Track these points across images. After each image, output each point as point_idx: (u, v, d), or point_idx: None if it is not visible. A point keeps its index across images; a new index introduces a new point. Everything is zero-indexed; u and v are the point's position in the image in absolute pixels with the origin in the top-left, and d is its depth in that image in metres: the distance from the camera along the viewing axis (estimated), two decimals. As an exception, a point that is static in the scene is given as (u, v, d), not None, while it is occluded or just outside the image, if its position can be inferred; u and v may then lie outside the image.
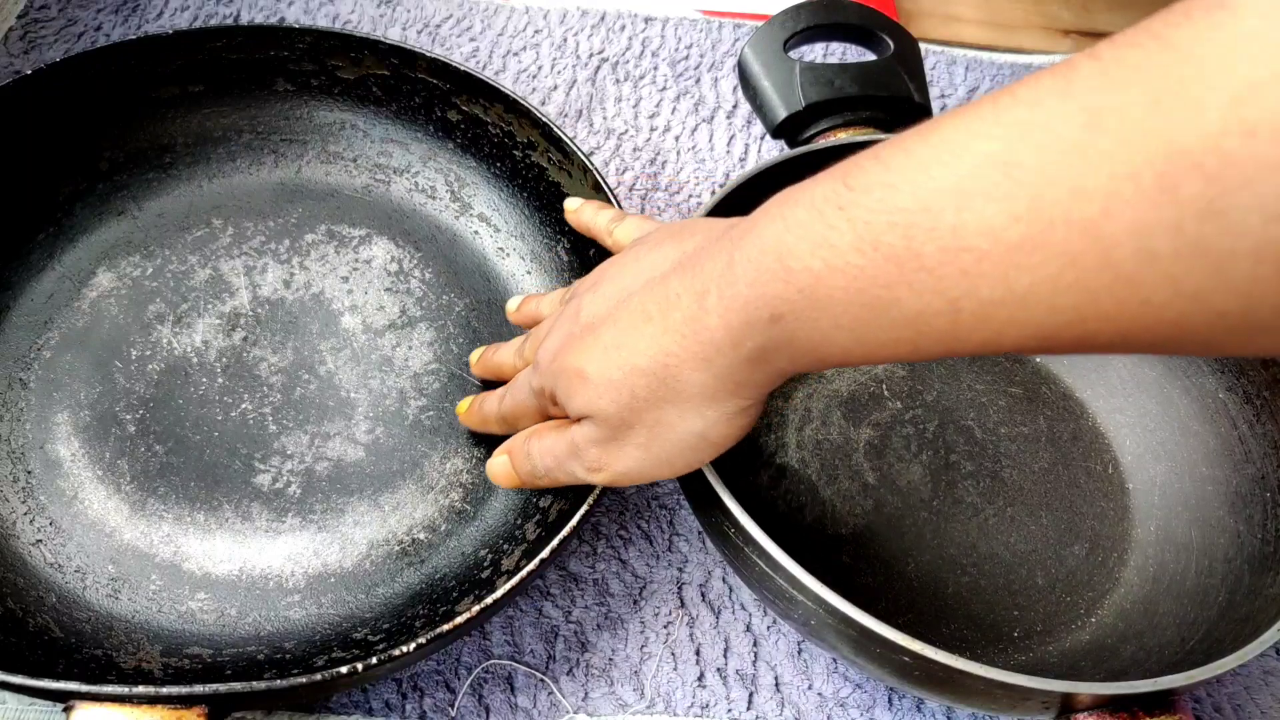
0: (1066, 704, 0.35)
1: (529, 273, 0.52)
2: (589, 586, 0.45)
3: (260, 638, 0.40)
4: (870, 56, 0.55)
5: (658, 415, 0.33)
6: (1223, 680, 0.45)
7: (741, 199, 0.47)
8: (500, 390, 0.43)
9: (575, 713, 0.42)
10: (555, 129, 0.48)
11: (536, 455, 0.39)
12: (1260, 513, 0.43)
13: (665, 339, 0.32)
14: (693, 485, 0.39)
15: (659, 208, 0.59)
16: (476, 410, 0.45)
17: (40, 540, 0.41)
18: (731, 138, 0.63)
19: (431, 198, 0.53)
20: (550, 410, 0.39)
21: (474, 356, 0.47)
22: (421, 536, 0.44)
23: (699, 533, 0.47)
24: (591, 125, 0.62)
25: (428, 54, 0.50)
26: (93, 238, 0.49)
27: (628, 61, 0.66)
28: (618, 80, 0.65)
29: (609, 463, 0.36)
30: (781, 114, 0.51)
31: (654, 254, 0.36)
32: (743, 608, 0.45)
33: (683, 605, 0.45)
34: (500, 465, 0.41)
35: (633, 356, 0.33)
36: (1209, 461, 0.47)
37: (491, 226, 0.53)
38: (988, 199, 0.24)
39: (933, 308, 0.26)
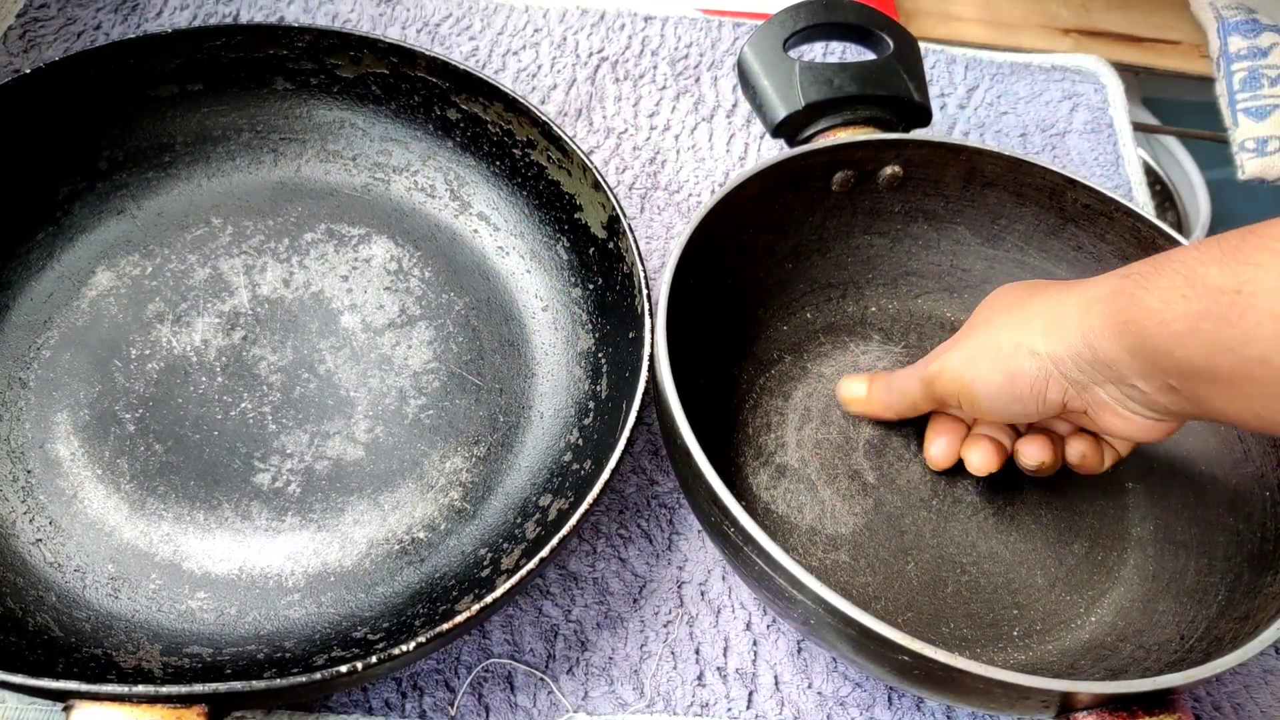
0: (1066, 703, 0.35)
1: (529, 271, 0.52)
2: (589, 585, 0.45)
3: (260, 637, 0.40)
4: (870, 56, 0.55)
5: (988, 328, 0.41)
6: (1222, 679, 0.46)
7: (741, 198, 0.47)
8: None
9: (575, 712, 0.42)
10: (554, 128, 0.48)
11: (897, 382, 0.46)
12: (1259, 511, 0.43)
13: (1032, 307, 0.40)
14: (692, 485, 0.39)
15: (659, 207, 0.59)
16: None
17: (40, 539, 0.42)
18: (731, 137, 0.63)
19: (431, 196, 0.53)
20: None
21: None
22: (421, 535, 0.44)
23: (699, 532, 0.47)
24: (591, 124, 0.62)
25: (427, 53, 0.50)
26: (92, 237, 0.49)
27: (627, 60, 0.66)
28: (617, 79, 0.65)
29: (939, 360, 0.43)
30: (781, 113, 0.51)
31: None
32: (742, 607, 0.45)
33: (682, 604, 0.45)
34: (856, 387, 0.48)
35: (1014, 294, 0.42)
36: (1208, 460, 0.47)
37: (491, 225, 0.53)
38: None
39: None
